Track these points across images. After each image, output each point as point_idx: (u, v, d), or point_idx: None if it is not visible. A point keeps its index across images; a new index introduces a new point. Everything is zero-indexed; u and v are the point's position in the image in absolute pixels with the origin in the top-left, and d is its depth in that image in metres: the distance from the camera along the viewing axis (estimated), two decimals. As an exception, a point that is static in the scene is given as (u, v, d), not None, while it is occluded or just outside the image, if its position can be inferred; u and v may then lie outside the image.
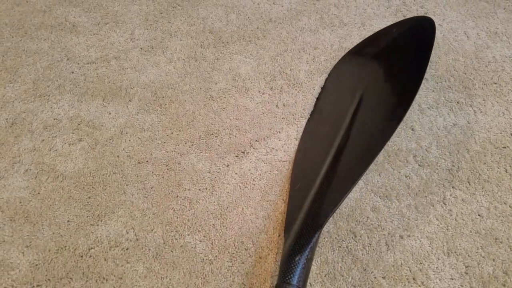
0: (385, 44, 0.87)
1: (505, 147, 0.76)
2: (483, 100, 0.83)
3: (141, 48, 0.94)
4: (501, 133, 0.78)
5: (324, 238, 0.66)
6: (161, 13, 1.03)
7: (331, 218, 0.67)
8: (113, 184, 0.72)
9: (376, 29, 0.98)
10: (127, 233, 0.66)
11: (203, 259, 0.64)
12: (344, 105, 0.78)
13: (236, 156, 0.76)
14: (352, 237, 0.66)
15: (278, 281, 0.56)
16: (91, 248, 0.65)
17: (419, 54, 0.76)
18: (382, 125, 0.70)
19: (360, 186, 0.71)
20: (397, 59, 0.81)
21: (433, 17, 1.01)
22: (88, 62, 0.91)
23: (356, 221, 0.67)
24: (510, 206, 0.68)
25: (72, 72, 0.89)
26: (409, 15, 1.01)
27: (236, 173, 0.74)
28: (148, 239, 0.66)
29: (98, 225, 0.67)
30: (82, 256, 0.64)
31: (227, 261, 0.64)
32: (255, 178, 0.73)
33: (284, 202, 0.70)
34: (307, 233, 0.59)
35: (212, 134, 0.79)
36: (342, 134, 0.72)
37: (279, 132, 0.80)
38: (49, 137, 0.78)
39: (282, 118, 0.82)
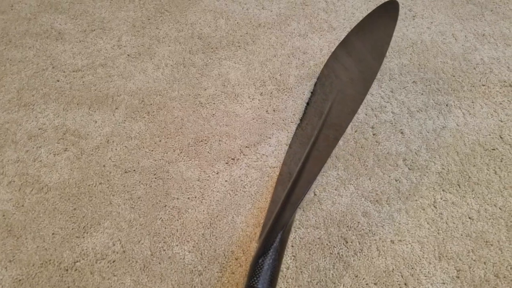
0: (357, 37, 0.86)
1: (494, 149, 0.76)
2: (472, 102, 0.83)
3: (128, 55, 0.93)
4: (490, 135, 0.78)
5: (315, 245, 0.65)
6: (148, 19, 1.02)
7: (322, 224, 0.67)
8: (99, 195, 0.70)
9: (365, 33, 0.97)
10: (114, 245, 0.65)
11: (192, 270, 0.62)
12: (323, 107, 0.78)
13: (226, 163, 0.75)
14: (343, 243, 0.65)
15: (244, 286, 0.55)
16: (77, 261, 0.63)
17: (382, 39, 0.74)
18: (341, 122, 0.69)
19: (350, 191, 0.71)
20: (365, 49, 0.79)
21: (421, 20, 1.01)
22: (74, 70, 0.90)
23: (347, 226, 0.67)
24: (500, 208, 0.68)
25: (58, 81, 0.88)
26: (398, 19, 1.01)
27: (226, 181, 0.73)
28: (135, 251, 0.64)
29: (83, 237, 0.66)
30: (67, 270, 0.62)
31: (217, 272, 0.62)
32: (245, 185, 0.72)
33: (274, 209, 0.69)
34: (272, 234, 0.58)
35: (202, 141, 0.78)
36: (314, 136, 0.72)
37: (270, 138, 0.79)
38: (33, 148, 0.76)
39: (273, 124, 0.81)
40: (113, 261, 0.63)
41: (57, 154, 0.75)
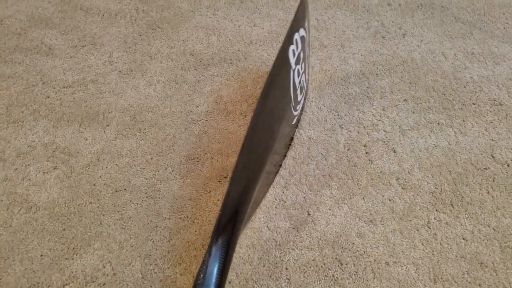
0: None
1: (486, 168, 0.76)
2: (463, 120, 0.84)
3: (120, 71, 0.92)
4: (481, 154, 0.78)
5: (310, 267, 0.64)
6: (140, 35, 1.01)
7: (316, 246, 0.66)
8: (89, 215, 0.69)
9: (355, 51, 0.98)
10: (104, 267, 0.63)
11: (184, 293, 0.61)
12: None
13: (219, 181, 0.74)
14: (338, 265, 0.64)
15: None
16: (66, 284, 0.61)
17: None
18: None
19: (344, 211, 0.70)
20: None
21: (411, 38, 1.02)
22: (64, 86, 0.88)
23: (342, 248, 0.66)
24: (493, 229, 0.68)
25: (48, 97, 0.86)
26: (387, 37, 1.03)
27: (218, 200, 0.72)
28: (126, 274, 0.63)
29: (73, 259, 0.64)
30: (55, 294, 0.60)
31: (210, 295, 0.61)
32: (237, 204, 0.71)
33: (269, 229, 0.68)
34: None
35: (194, 159, 0.77)
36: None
37: (262, 156, 0.78)
38: (22, 166, 0.75)
39: (265, 141, 0.80)
40: (103, 284, 0.61)
41: (47, 173, 0.74)
